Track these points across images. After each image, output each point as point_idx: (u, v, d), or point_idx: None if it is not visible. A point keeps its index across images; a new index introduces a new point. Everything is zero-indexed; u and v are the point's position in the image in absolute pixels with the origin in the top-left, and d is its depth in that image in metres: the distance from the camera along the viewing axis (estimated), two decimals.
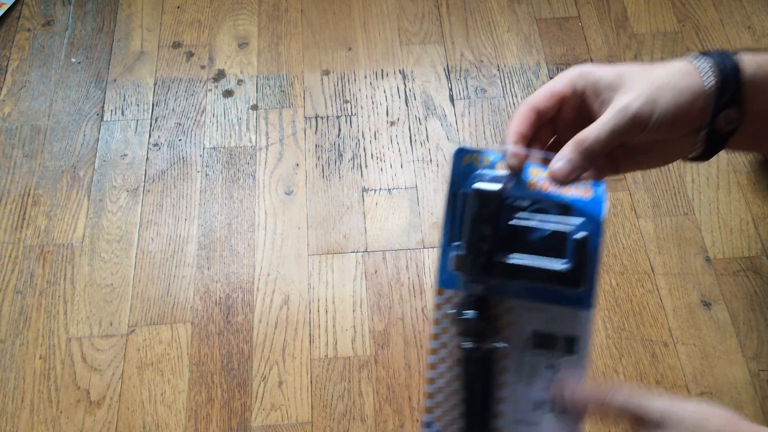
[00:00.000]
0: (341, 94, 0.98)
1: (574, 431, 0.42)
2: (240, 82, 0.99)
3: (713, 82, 0.40)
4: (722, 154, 0.92)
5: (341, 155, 0.92)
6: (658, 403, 0.38)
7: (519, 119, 0.42)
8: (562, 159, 0.41)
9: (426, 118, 0.96)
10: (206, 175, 0.90)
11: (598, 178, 0.43)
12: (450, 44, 1.02)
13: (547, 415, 0.43)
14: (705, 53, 0.42)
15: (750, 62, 0.42)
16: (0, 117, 0.95)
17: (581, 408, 0.41)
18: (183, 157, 0.92)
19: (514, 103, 0.97)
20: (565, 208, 0.43)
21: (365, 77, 0.99)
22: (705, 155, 0.44)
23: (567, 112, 0.44)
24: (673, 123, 0.41)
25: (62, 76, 0.99)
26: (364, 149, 0.92)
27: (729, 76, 0.40)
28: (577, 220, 0.42)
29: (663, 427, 0.38)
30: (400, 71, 1.00)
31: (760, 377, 0.75)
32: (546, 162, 0.42)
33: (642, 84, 0.41)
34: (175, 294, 0.81)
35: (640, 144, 0.44)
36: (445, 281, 0.43)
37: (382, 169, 0.91)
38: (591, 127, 0.41)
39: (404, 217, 0.87)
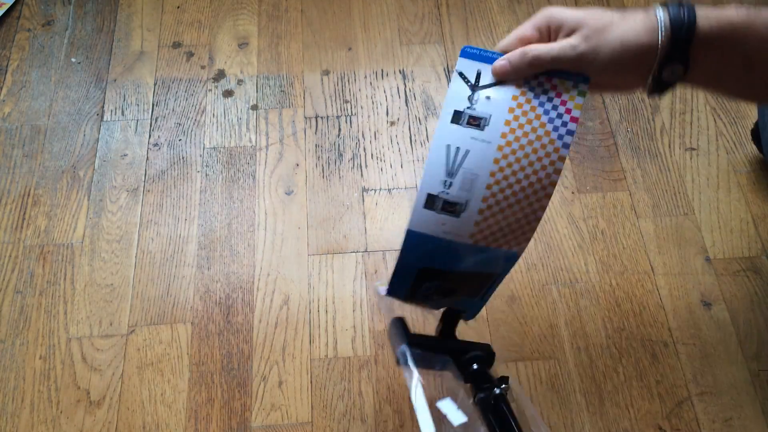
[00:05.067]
0: (341, 94, 0.98)
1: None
2: (240, 82, 0.99)
3: (665, 40, 0.45)
4: (722, 155, 0.92)
5: (341, 155, 0.92)
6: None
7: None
8: (507, 59, 0.49)
9: (426, 118, 0.96)
10: (206, 175, 0.90)
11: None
12: (450, 44, 1.02)
13: None
14: (668, 4, 0.46)
15: (707, 20, 0.45)
16: (0, 117, 0.95)
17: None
18: (183, 157, 0.92)
19: None
20: None
21: (365, 77, 0.99)
22: (652, 92, 0.49)
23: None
24: (615, 71, 0.47)
25: (62, 76, 0.99)
26: (364, 149, 0.92)
27: (682, 34, 0.45)
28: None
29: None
30: (400, 71, 1.00)
31: (760, 377, 0.75)
32: None
33: (596, 33, 0.46)
34: (175, 294, 0.81)
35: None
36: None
37: (382, 169, 0.91)
38: (541, 45, 0.48)
39: (404, 217, 0.87)
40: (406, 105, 0.97)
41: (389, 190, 0.89)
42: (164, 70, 1.00)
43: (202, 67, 1.00)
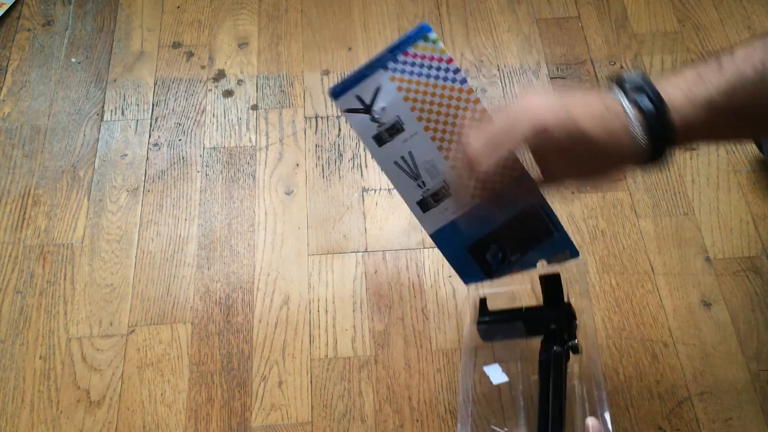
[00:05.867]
0: None
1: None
2: (240, 82, 0.99)
3: (646, 143, 0.45)
4: (722, 155, 0.92)
5: (341, 155, 0.92)
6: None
7: None
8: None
9: None
10: (206, 175, 0.90)
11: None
12: (450, 44, 1.02)
13: None
14: (630, 92, 0.46)
15: (678, 100, 0.45)
16: (0, 117, 0.95)
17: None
18: (183, 157, 0.92)
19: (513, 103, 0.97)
20: None
21: None
22: (649, 162, 0.48)
23: None
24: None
25: (62, 76, 0.99)
26: (364, 149, 0.92)
27: (660, 133, 0.45)
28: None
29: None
30: None
31: (760, 377, 0.75)
32: None
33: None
34: (175, 294, 0.81)
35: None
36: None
37: None
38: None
39: (404, 217, 0.87)
40: None
41: (389, 190, 0.89)
42: (164, 70, 1.00)
43: (202, 67, 1.00)
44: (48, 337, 0.78)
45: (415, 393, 0.74)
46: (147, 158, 0.92)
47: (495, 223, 0.60)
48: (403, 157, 0.58)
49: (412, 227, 0.86)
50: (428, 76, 0.55)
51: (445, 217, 0.60)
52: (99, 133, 0.94)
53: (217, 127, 0.95)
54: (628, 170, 0.48)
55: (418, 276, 0.82)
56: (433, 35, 0.53)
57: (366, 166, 0.91)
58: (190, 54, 1.01)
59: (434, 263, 0.83)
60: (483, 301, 0.66)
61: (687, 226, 0.86)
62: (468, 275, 0.64)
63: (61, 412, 0.73)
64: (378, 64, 0.54)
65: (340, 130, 0.94)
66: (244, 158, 0.92)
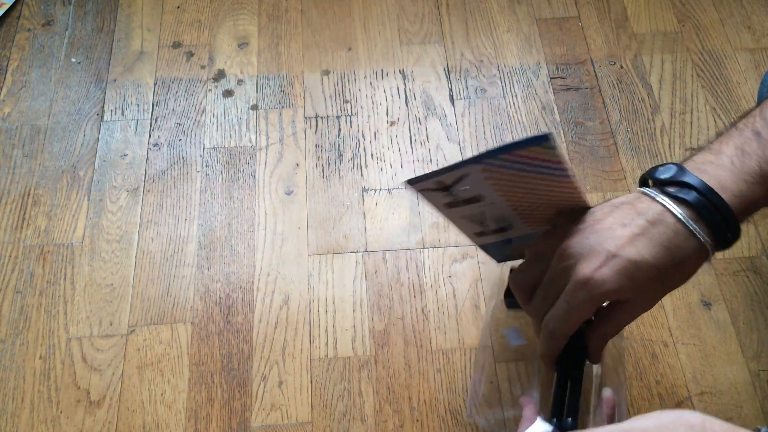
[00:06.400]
0: (341, 94, 0.98)
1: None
2: (240, 82, 0.99)
3: (710, 242, 0.45)
4: None
5: (341, 155, 0.92)
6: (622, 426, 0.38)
7: None
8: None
9: (426, 118, 0.96)
10: (206, 175, 0.90)
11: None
12: (450, 44, 1.03)
13: None
14: (698, 221, 0.45)
15: (730, 196, 0.45)
16: (0, 117, 0.95)
17: None
18: (183, 157, 0.92)
19: (514, 103, 0.97)
20: None
21: (365, 77, 0.99)
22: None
23: None
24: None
25: (62, 76, 0.99)
26: (364, 149, 0.93)
27: (722, 225, 0.45)
28: None
29: None
30: (400, 71, 1.00)
31: (760, 377, 0.75)
32: None
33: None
34: (175, 294, 0.81)
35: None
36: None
37: (382, 169, 0.91)
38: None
39: (404, 217, 0.87)
40: (406, 105, 0.97)
41: (389, 190, 0.89)
42: (164, 70, 1.00)
43: (202, 67, 1.00)
44: (48, 337, 0.78)
45: (415, 393, 0.74)
46: (147, 158, 0.92)
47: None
48: (472, 214, 0.55)
49: (412, 227, 0.86)
50: (527, 171, 0.48)
51: (497, 237, 0.61)
52: (99, 133, 0.94)
53: (217, 127, 0.95)
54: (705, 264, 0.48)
55: (418, 276, 0.82)
56: (551, 143, 0.45)
57: (366, 166, 0.91)
58: (190, 54, 1.01)
59: (434, 263, 0.83)
60: (512, 271, 0.67)
61: None
62: (501, 258, 0.68)
63: (61, 412, 0.73)
64: (474, 160, 0.48)
65: (340, 130, 0.94)
66: (244, 158, 0.92)
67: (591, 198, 0.88)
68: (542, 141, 0.44)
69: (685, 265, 0.46)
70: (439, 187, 0.51)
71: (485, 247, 0.65)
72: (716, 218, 0.44)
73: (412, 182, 0.52)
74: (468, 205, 0.54)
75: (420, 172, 0.91)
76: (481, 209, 0.55)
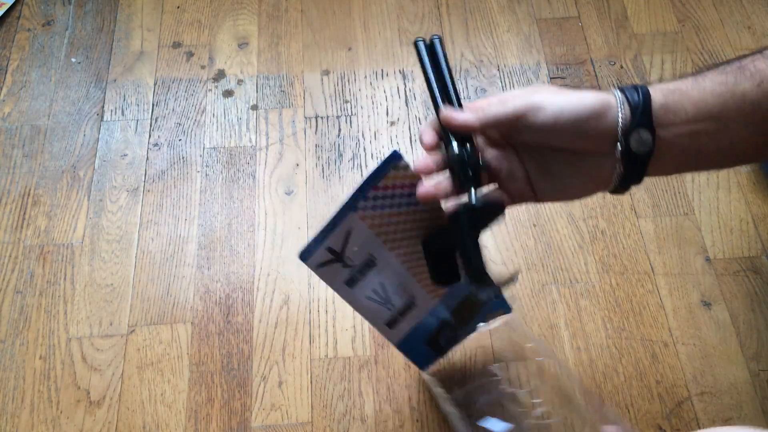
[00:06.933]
0: (341, 94, 0.98)
1: None
2: (240, 82, 0.99)
3: (625, 105, 0.45)
4: None
5: (341, 155, 0.92)
6: None
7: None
8: (458, 111, 0.48)
9: (426, 118, 0.96)
10: (206, 175, 0.90)
11: (517, 203, 0.49)
12: (450, 44, 1.02)
13: None
14: (619, 87, 0.47)
15: (658, 91, 0.46)
16: (0, 117, 0.95)
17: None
18: (183, 157, 0.92)
19: None
20: None
21: (365, 77, 0.99)
22: (624, 183, 0.48)
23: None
24: (578, 126, 0.45)
25: (62, 76, 0.99)
26: (364, 149, 0.93)
27: (638, 102, 0.45)
28: None
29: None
30: (400, 71, 1.00)
31: (760, 377, 0.75)
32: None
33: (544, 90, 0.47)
34: (175, 294, 0.81)
35: (554, 161, 0.47)
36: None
37: None
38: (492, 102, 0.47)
39: None
40: (406, 105, 0.97)
41: None
42: (164, 70, 1.00)
43: (202, 67, 1.00)
44: (48, 337, 0.78)
45: (415, 393, 0.74)
46: (147, 158, 0.92)
47: (448, 311, 0.62)
48: (374, 290, 0.56)
49: None
50: (399, 205, 0.51)
51: (409, 324, 0.62)
52: (99, 133, 0.94)
53: (217, 127, 0.95)
54: (604, 169, 0.46)
55: None
56: (403, 163, 0.49)
57: (366, 166, 0.91)
58: (190, 54, 1.01)
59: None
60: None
61: (687, 226, 0.86)
62: (424, 363, 0.69)
63: (61, 412, 0.73)
64: (348, 206, 0.51)
65: (340, 130, 0.94)
66: (244, 158, 0.92)
67: (589, 199, 0.88)
68: (393, 160, 0.48)
69: (588, 133, 0.45)
70: (333, 257, 0.52)
71: (403, 346, 0.64)
72: (635, 97, 0.45)
73: (304, 257, 0.52)
74: (366, 277, 0.54)
75: None
76: (380, 280, 0.55)
